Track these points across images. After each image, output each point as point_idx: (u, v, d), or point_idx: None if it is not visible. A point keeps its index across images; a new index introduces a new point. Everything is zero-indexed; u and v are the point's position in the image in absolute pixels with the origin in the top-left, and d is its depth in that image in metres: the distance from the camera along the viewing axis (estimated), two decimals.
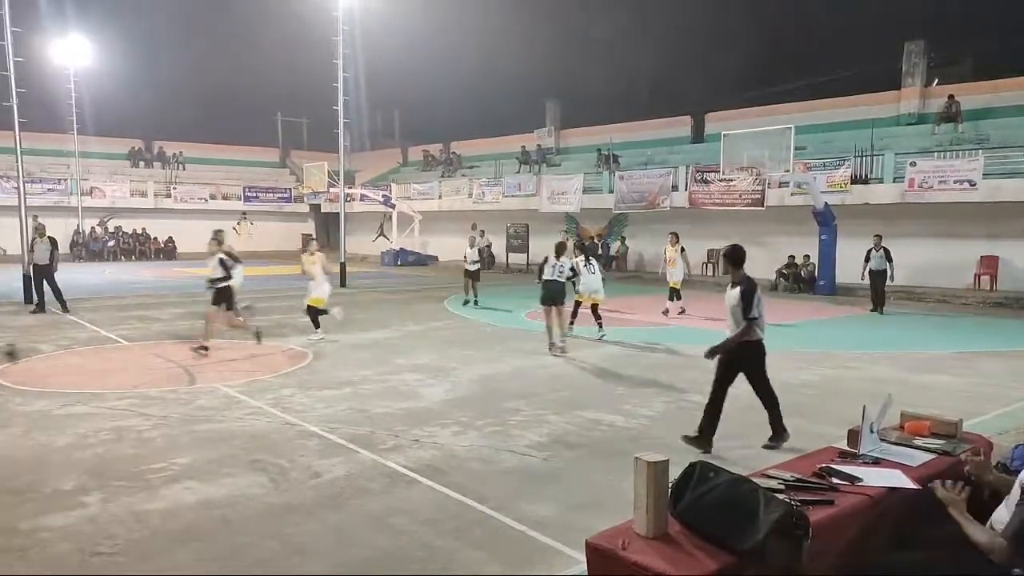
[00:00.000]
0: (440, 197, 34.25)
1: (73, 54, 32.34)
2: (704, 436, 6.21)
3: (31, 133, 18.02)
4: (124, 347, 11.39)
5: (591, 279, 12.49)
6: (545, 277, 11.18)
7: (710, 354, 6.32)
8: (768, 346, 6.39)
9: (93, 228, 34.82)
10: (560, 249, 11.30)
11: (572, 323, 12.57)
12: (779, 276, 21.96)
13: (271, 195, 41.33)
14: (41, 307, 15.12)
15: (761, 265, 23.43)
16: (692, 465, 2.91)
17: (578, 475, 5.80)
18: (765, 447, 6.26)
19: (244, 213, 39.93)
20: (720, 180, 23.14)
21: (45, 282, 15.12)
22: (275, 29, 39.81)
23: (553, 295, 11.06)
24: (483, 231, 32.09)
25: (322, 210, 40.10)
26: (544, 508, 5.05)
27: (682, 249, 15.22)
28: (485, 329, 12.70)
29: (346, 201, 24.88)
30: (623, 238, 27.75)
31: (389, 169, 43.72)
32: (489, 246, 31.28)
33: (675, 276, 15.12)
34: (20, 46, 17.04)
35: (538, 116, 36.84)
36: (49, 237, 15.30)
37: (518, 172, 33.15)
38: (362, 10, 23.53)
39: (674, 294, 15.23)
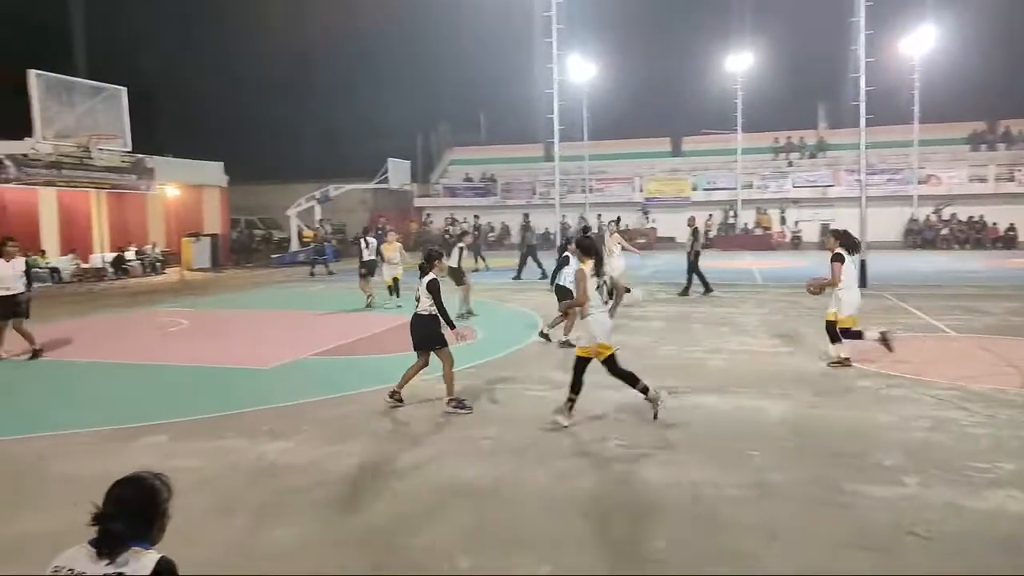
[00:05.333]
0: None
1: (917, 45, 32.76)
2: None
3: (873, 127, 19.13)
4: (950, 338, 11.09)
5: None
6: None
7: None
8: None
9: (928, 216, 34.84)
10: None
11: None
12: None
13: None
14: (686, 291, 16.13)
15: None
16: None
17: None
18: None
19: None
20: None
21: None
22: None
23: None
24: None
25: None
26: None
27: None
28: None
29: None
30: None
31: None
32: None
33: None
34: (870, 47, 18.32)
35: None
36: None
37: None
38: None
39: None
